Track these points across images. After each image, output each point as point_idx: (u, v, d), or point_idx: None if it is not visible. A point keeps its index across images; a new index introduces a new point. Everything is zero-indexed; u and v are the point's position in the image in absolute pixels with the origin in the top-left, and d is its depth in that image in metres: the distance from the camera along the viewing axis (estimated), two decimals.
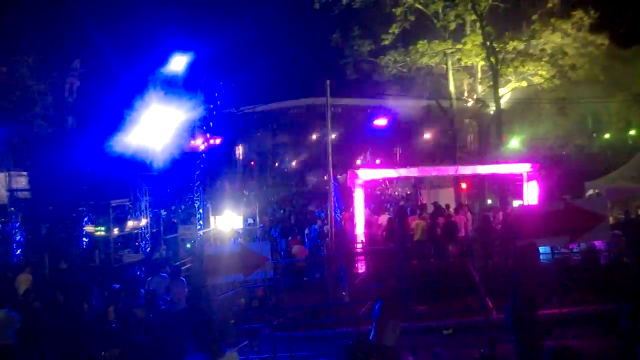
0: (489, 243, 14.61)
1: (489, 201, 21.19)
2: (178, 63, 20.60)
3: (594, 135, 31.46)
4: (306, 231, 19.15)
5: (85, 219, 19.54)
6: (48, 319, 8.94)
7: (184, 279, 11.24)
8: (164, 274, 11.35)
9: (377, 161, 35.16)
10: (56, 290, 10.02)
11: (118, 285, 10.79)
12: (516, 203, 18.06)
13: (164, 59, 20.31)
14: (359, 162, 38.61)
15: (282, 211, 28.35)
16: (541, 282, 9.93)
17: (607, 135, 30.57)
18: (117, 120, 18.71)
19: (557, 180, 18.27)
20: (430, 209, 17.74)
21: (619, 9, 13.62)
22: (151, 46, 21.54)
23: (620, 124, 28.70)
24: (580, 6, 16.28)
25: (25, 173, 18.88)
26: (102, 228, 19.44)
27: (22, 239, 16.81)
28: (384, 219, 17.84)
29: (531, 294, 6.27)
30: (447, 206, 17.60)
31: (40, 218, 18.65)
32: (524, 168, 15.94)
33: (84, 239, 19.29)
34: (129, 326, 8.19)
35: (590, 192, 17.07)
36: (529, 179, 15.84)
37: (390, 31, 23.53)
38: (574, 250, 14.47)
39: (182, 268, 13.03)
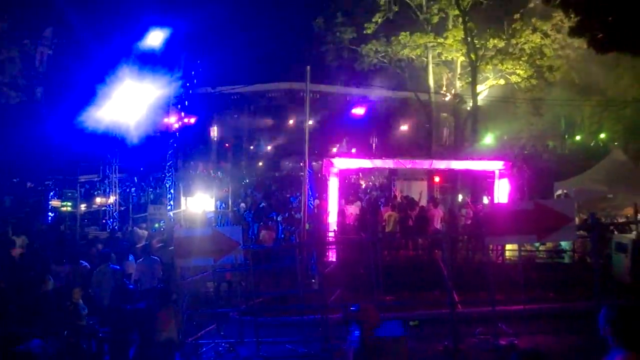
0: (456, 238, 14.81)
1: (460, 196, 21.46)
2: (155, 38, 20.06)
3: (566, 136, 32.13)
4: (279, 217, 19.01)
5: (52, 193, 19.04)
6: (8, 298, 8.68)
7: (156, 258, 10.96)
8: (132, 257, 11.11)
9: (353, 150, 35.16)
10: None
11: (85, 263, 10.50)
12: (485, 199, 18.33)
13: (140, 34, 19.75)
14: (334, 150, 38.57)
15: (258, 195, 28.13)
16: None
17: (578, 138, 31.27)
18: (89, 93, 18.16)
19: (528, 179, 18.57)
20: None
21: (599, 15, 13.76)
22: (127, 20, 20.94)
23: (592, 127, 29.37)
24: (561, 7, 16.46)
25: None
26: (69, 203, 18.99)
27: None
28: (355, 208, 17.88)
29: None
30: (418, 201, 17.68)
31: (5, 190, 18.11)
32: (496, 165, 16.13)
33: (50, 213, 18.82)
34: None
35: (559, 192, 17.38)
36: (501, 176, 16.06)
37: (374, 20, 23.46)
38: (540, 248, 14.83)
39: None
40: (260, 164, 47.95)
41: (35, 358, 6.02)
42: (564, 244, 14.22)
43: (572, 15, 16.12)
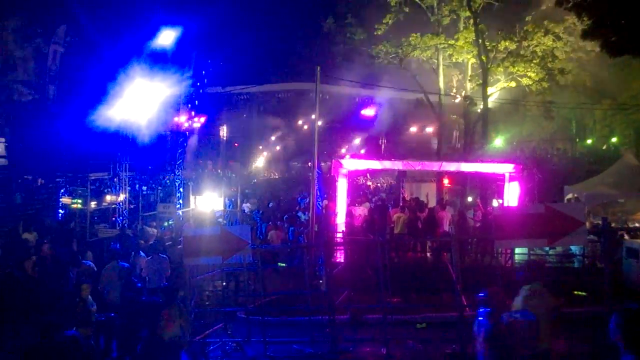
0: (465, 240, 14.72)
1: (469, 198, 21.35)
2: (166, 37, 20.19)
3: (577, 140, 31.86)
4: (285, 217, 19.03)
5: (62, 190, 19.19)
6: (23, 292, 8.74)
7: (165, 256, 11.03)
8: (143, 253, 11.18)
9: (362, 151, 35.13)
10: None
11: (89, 262, 10.54)
12: (495, 202, 18.19)
13: (151, 33, 19.88)
14: (343, 151, 38.57)
15: (267, 196, 28.18)
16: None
17: (589, 141, 31.01)
18: (100, 91, 18.30)
19: (538, 183, 18.42)
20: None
21: (612, 18, 13.66)
22: (139, 19, 21.07)
23: (603, 131, 29.09)
24: (574, 11, 16.32)
25: (2, 139, 18.45)
26: (79, 200, 19.15)
27: None
28: (363, 209, 17.84)
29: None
30: (426, 203, 17.62)
31: (16, 186, 18.29)
32: (506, 168, 16.02)
33: (60, 210, 18.97)
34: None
35: (570, 196, 17.24)
36: (511, 179, 15.94)
37: (384, 21, 23.42)
38: (550, 252, 14.70)
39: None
40: (270, 163, 48.00)
41: (81, 346, 6.04)
42: (575, 248, 14.10)
43: (585, 18, 16.02)
